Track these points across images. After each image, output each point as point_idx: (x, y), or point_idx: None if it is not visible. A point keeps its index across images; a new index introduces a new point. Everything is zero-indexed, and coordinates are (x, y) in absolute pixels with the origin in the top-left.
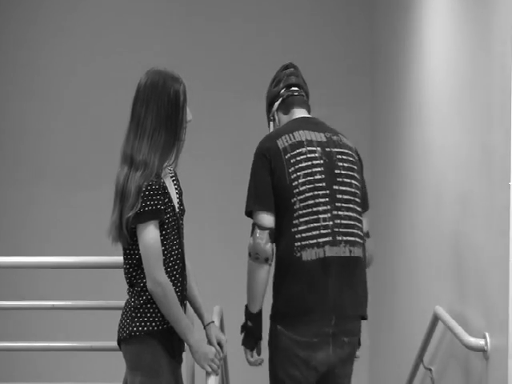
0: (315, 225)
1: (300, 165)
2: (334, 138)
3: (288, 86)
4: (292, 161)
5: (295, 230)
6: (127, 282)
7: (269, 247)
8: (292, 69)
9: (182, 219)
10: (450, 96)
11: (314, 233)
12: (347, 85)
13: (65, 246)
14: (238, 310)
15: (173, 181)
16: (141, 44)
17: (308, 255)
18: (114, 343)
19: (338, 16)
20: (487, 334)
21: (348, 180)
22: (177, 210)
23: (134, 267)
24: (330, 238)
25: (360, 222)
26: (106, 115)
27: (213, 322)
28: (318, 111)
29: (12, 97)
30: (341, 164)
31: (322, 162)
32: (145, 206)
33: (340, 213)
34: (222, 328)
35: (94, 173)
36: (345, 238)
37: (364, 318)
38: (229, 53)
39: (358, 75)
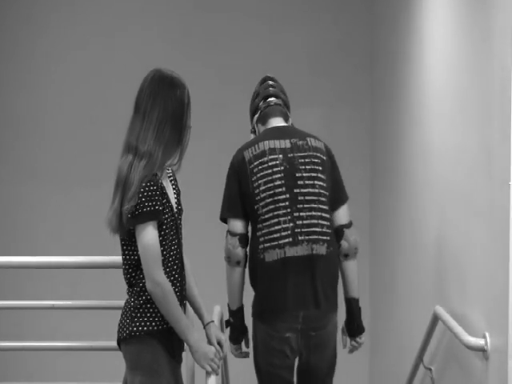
0: (276, 228)
1: (261, 173)
2: (300, 142)
3: (265, 98)
4: (255, 170)
5: (259, 233)
6: (126, 283)
7: (239, 251)
8: (270, 81)
9: (180, 219)
10: (450, 95)
11: (275, 235)
12: (347, 83)
13: (59, 245)
14: None
15: (171, 181)
16: (139, 44)
17: (270, 256)
18: (114, 343)
19: (339, 14)
20: (487, 334)
21: (310, 182)
22: (175, 210)
23: (133, 267)
24: (291, 239)
25: (326, 219)
26: (99, 114)
27: (212, 321)
28: (319, 110)
29: (4, 94)
30: (303, 167)
31: (282, 168)
32: (143, 206)
33: (302, 214)
34: (221, 328)
35: (88, 171)
36: (307, 237)
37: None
38: (228, 52)
39: (359, 73)
